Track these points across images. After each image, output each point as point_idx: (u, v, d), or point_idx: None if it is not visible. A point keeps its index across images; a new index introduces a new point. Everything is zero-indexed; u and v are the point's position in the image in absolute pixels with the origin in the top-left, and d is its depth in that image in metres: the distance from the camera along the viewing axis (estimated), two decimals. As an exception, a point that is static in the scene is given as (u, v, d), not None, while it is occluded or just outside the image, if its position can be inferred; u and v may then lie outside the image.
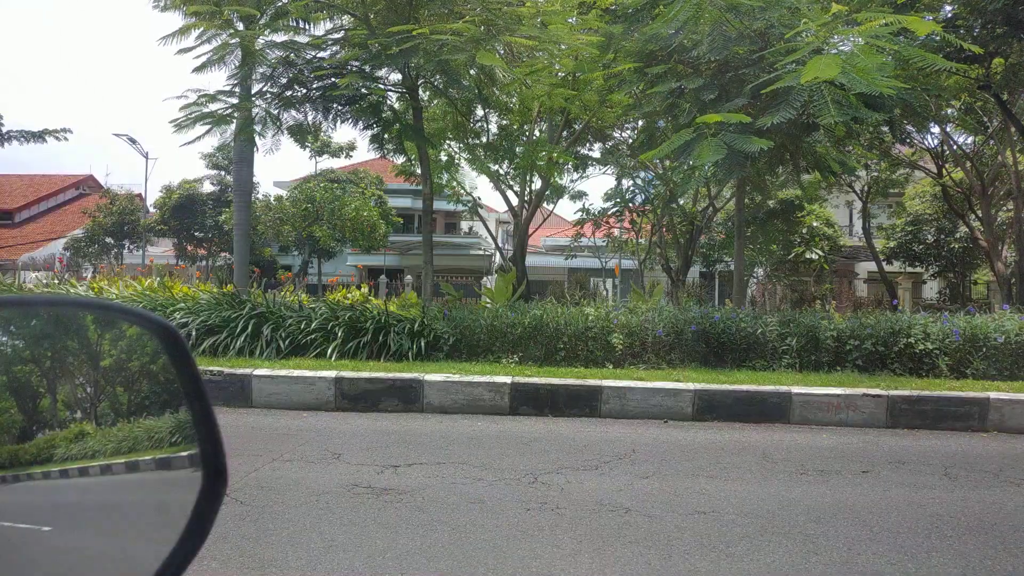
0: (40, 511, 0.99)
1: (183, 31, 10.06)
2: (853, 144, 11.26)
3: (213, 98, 10.16)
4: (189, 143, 11.26)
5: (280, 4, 10.19)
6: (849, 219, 30.47)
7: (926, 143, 19.10)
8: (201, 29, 9.73)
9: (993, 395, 6.84)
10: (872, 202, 23.74)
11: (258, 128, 10.67)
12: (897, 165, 20.81)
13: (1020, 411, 6.74)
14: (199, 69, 10.21)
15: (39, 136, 21.79)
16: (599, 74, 11.76)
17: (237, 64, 10.19)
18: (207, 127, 10.25)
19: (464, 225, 38.71)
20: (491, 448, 5.64)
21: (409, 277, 28.75)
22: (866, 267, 29.86)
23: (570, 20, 11.09)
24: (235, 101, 10.40)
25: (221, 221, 28.06)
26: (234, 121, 10.38)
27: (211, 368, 7.32)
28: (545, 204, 20.24)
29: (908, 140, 17.46)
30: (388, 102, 11.34)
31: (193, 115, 9.97)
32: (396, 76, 10.94)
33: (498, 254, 22.85)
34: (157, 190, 34.77)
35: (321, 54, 10.52)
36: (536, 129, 16.19)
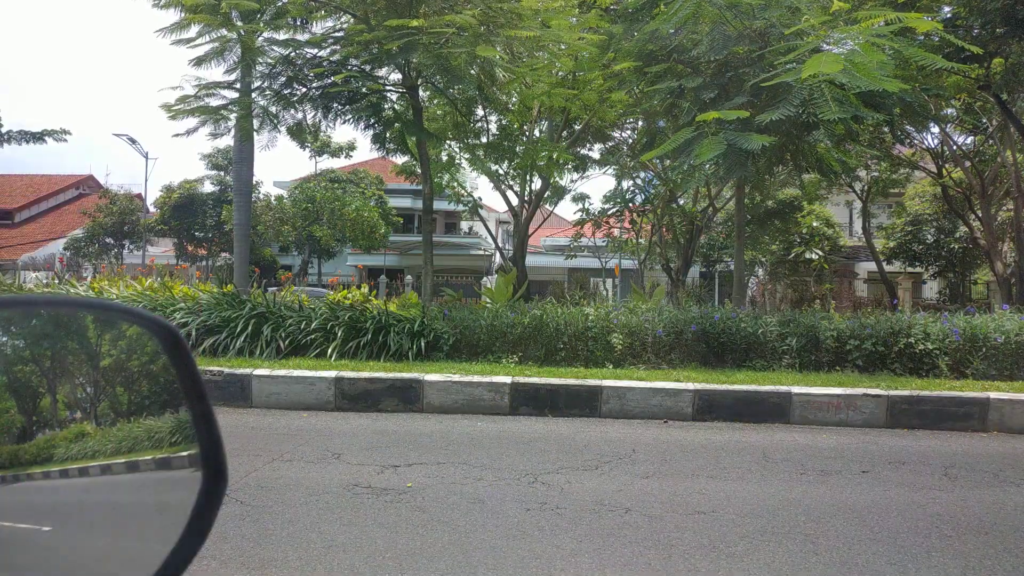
0: (40, 511, 0.99)
1: (183, 25, 10.05)
2: (853, 143, 11.25)
3: (211, 91, 10.16)
4: (182, 134, 11.23)
5: (280, 3, 10.18)
6: (849, 219, 30.47)
7: (926, 143, 19.10)
8: (202, 25, 9.73)
9: (993, 395, 6.84)
10: (872, 202, 23.73)
11: (256, 124, 10.66)
12: (897, 165, 20.80)
13: (1020, 411, 6.74)
14: (198, 62, 10.21)
15: (39, 137, 21.81)
16: (599, 74, 11.75)
17: (236, 59, 10.19)
18: (203, 119, 10.25)
19: (464, 225, 38.72)
20: (491, 448, 5.64)
21: (409, 277, 28.78)
22: (866, 267, 29.85)
23: (570, 20, 11.09)
24: (234, 96, 10.40)
25: (222, 220, 28.06)
26: (231, 117, 10.38)
27: (211, 368, 7.32)
28: (546, 204, 20.25)
29: (908, 140, 17.45)
30: (388, 102, 11.34)
31: (190, 107, 9.98)
32: (396, 76, 10.94)
33: (498, 254, 22.86)
34: (157, 190, 34.81)
35: (321, 52, 10.52)
36: (536, 129, 16.19)
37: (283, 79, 10.46)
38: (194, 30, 9.97)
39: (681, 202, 19.80)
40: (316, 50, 10.52)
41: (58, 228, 35.28)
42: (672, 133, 9.80)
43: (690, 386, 7.04)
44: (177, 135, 13.84)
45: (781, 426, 6.75)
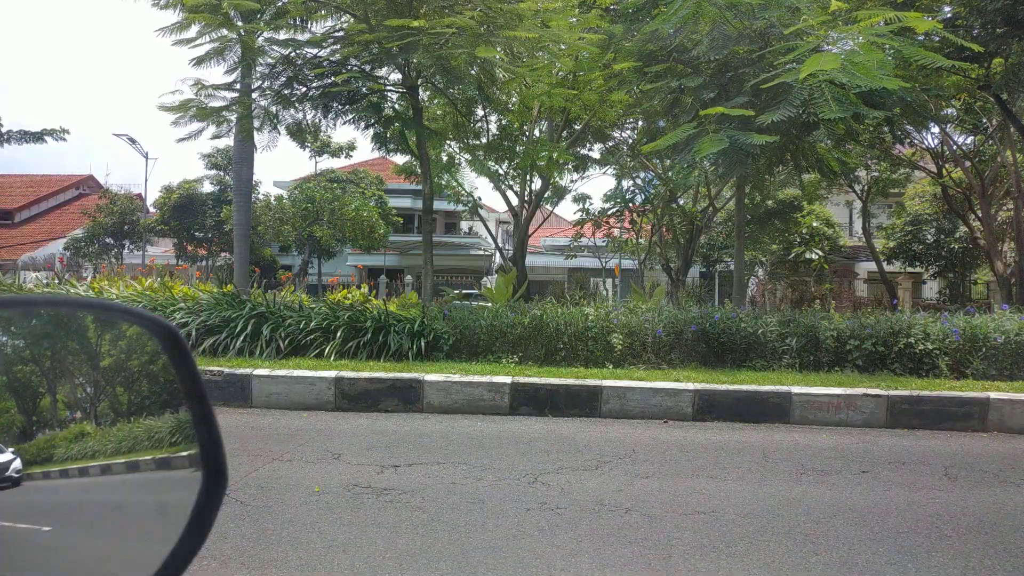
0: (40, 511, 0.99)
1: (183, 25, 10.06)
2: (854, 143, 11.24)
3: (211, 94, 10.17)
4: (186, 138, 11.24)
5: (280, 3, 10.18)
6: (849, 219, 30.48)
7: (926, 143, 19.10)
8: (202, 25, 9.73)
9: (993, 395, 6.84)
10: (872, 202, 23.73)
11: (256, 124, 10.66)
12: (897, 165, 20.80)
13: (1020, 411, 6.74)
14: (198, 62, 10.22)
15: (38, 137, 21.81)
16: (599, 74, 11.74)
17: (237, 59, 10.19)
18: (205, 121, 10.26)
19: (464, 225, 38.71)
20: (491, 448, 5.64)
21: (409, 277, 28.78)
22: (866, 267, 29.86)
23: (570, 20, 11.08)
24: (234, 97, 10.40)
25: (222, 220, 28.05)
26: (232, 117, 10.38)
27: (211, 368, 7.32)
28: (546, 204, 20.25)
29: (908, 140, 17.45)
30: (388, 102, 11.34)
31: (191, 108, 9.99)
32: (396, 76, 10.94)
33: (498, 254, 22.86)
34: (157, 190, 34.81)
35: (321, 52, 10.51)
36: (536, 129, 16.18)
37: (283, 79, 10.45)
38: (194, 30, 9.96)
39: (681, 202, 19.81)
40: (316, 50, 10.52)
41: (58, 228, 35.28)
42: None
43: (690, 386, 7.04)
44: (181, 139, 13.81)
45: (781, 426, 6.76)
